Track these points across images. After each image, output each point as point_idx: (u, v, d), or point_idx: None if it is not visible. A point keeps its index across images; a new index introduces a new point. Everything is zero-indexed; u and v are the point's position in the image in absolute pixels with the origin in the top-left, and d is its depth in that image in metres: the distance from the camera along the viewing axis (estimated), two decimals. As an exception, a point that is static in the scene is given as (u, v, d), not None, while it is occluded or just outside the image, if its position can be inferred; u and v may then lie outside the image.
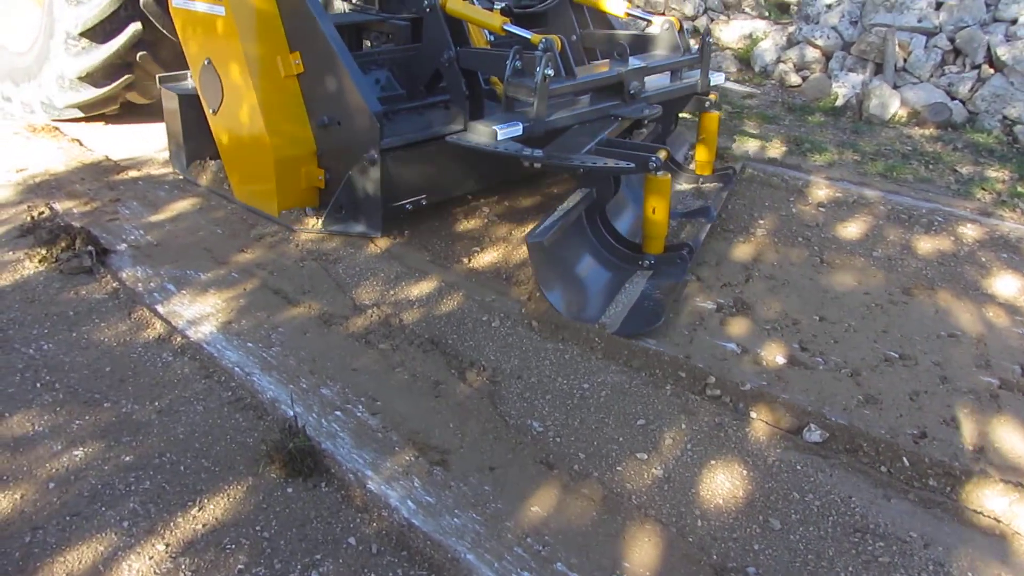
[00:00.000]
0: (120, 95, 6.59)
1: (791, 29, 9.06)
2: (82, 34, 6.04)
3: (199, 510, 2.71)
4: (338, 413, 3.27)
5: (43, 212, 4.94)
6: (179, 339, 3.73)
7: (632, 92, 4.66)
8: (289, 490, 2.82)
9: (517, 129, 4.03)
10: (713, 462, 3.08)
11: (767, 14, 10.28)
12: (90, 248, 4.35)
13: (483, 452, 3.09)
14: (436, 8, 4.63)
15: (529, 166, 4.03)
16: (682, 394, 3.49)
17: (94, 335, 3.73)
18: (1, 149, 6.14)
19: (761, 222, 5.28)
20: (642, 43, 5.40)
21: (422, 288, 4.31)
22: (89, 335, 3.73)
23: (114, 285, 4.17)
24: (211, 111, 5.19)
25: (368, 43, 5.89)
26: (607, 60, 4.89)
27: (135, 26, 6.03)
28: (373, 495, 2.81)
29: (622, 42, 4.89)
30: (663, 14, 10.10)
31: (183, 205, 5.24)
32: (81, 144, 6.30)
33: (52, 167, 5.78)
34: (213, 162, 5.59)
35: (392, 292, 4.27)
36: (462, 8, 4.63)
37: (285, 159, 4.82)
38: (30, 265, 4.33)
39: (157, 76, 5.75)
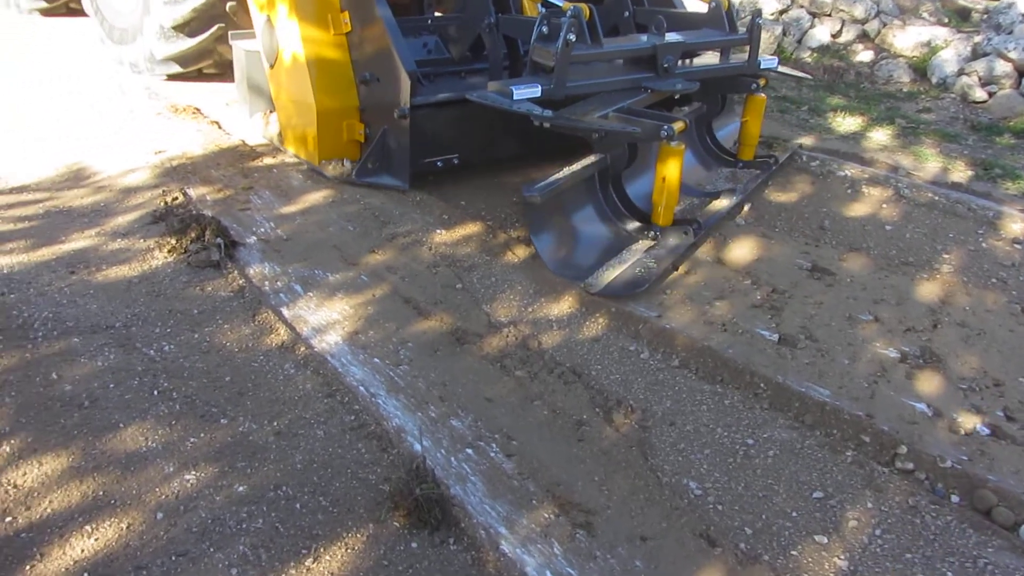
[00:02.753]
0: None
1: (977, 39, 8.18)
2: (174, 28, 6.72)
3: (313, 560, 2.40)
4: (469, 451, 2.92)
5: (176, 198, 4.81)
6: (303, 349, 3.46)
7: (665, 66, 4.59)
8: (413, 544, 2.48)
9: (535, 90, 4.00)
10: (909, 556, 2.57)
11: (947, 20, 9.40)
12: (219, 240, 4.15)
13: (633, 516, 2.68)
14: None
15: (539, 125, 4.00)
16: (866, 463, 2.98)
17: (216, 338, 3.51)
18: (143, 130, 6.09)
19: (946, 256, 4.65)
20: (692, 21, 5.36)
21: (563, 307, 3.93)
22: (211, 338, 3.51)
23: (240, 282, 3.96)
24: (268, 66, 5.51)
25: (429, 8, 6.23)
26: (645, 34, 4.82)
27: (219, 25, 6.69)
28: (508, 560, 2.44)
29: (659, 16, 4.81)
30: (829, 15, 9.40)
31: (315, 197, 5.01)
32: (219, 127, 6.20)
33: (190, 150, 5.67)
34: (272, 114, 5.86)
35: (530, 309, 3.90)
36: None
37: (328, 111, 5.06)
38: (159, 255, 4.17)
39: (229, 33, 6.32)
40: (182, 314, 3.66)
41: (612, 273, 4.06)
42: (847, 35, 9.34)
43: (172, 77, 7.34)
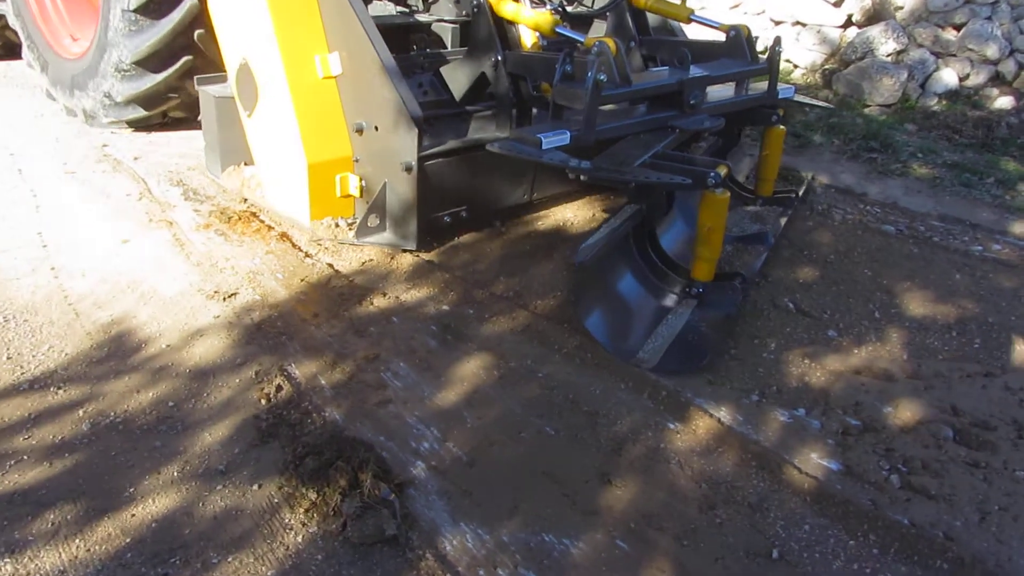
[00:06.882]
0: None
1: None
2: (136, 62, 5.94)
3: None
4: None
5: (280, 387, 3.27)
6: None
7: (692, 102, 4.15)
8: None
9: (564, 138, 3.53)
10: None
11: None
12: (391, 495, 2.62)
13: None
14: (484, 9, 4.37)
15: (575, 178, 3.55)
16: None
17: None
18: (194, 256, 4.46)
19: None
20: (707, 51, 4.79)
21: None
22: None
23: (445, 580, 2.42)
24: (246, 114, 4.86)
25: (415, 46, 5.43)
26: (666, 68, 4.33)
27: (187, 58, 5.99)
28: None
29: (683, 49, 4.38)
30: (954, 55, 8.11)
31: (471, 368, 3.51)
32: (293, 243, 4.62)
33: (268, 288, 4.11)
34: (248, 168, 5.20)
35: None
36: (511, 9, 4.36)
37: (319, 165, 4.44)
38: (292, 521, 2.62)
39: (195, 77, 5.42)
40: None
41: (663, 343, 3.67)
42: (976, 78, 8.04)
43: (135, 125, 6.51)
